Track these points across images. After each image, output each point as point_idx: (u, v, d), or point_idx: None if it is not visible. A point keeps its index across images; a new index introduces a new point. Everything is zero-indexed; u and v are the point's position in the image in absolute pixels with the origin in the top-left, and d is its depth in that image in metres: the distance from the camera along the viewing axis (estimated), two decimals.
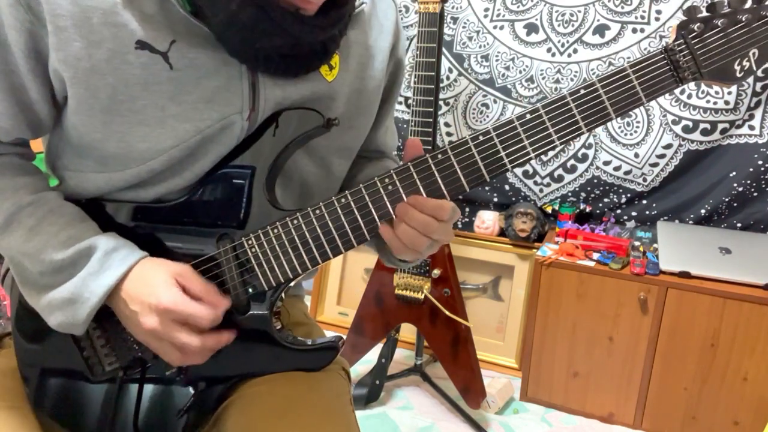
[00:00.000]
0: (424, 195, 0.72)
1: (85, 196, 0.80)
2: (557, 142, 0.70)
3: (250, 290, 0.77)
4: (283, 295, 0.80)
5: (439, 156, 0.72)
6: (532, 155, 0.71)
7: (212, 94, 0.74)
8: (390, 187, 0.73)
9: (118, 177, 0.77)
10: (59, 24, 0.68)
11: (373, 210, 0.73)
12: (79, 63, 0.69)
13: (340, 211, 0.74)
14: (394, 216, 0.73)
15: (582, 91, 0.70)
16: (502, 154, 0.71)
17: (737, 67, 0.69)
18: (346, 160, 0.90)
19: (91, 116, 0.73)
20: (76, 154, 0.79)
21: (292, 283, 0.79)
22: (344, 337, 0.85)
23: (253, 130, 0.77)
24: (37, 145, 0.85)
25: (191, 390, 0.81)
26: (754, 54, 0.69)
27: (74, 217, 0.76)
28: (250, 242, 0.76)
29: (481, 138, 0.71)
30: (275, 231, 0.76)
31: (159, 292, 0.71)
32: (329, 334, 0.88)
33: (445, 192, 0.72)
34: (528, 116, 0.70)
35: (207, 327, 0.72)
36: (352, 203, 0.74)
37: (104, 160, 0.76)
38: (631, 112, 2.00)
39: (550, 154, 2.13)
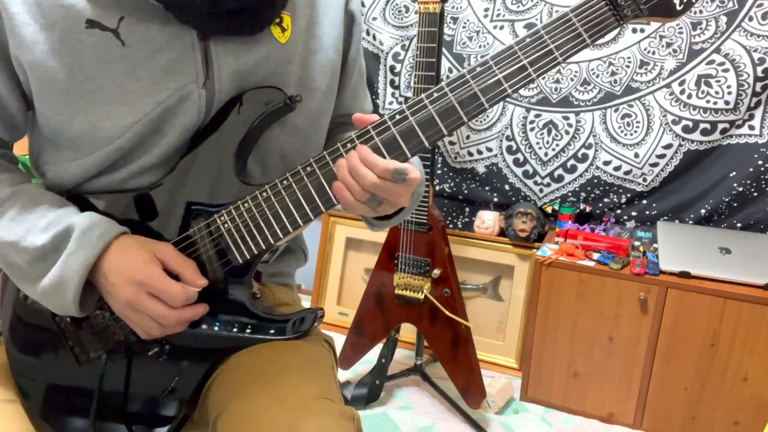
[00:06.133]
0: (386, 155, 0.73)
1: (63, 186, 0.81)
2: (509, 90, 0.72)
3: (225, 264, 0.79)
4: (263, 258, 0.81)
5: (397, 116, 0.73)
6: (486, 105, 0.72)
7: (167, 66, 0.75)
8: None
9: (90, 162, 0.78)
10: (11, 10, 0.70)
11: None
12: (35, 46, 0.71)
13: (306, 179, 0.76)
14: None
15: (528, 40, 0.71)
16: (457, 107, 0.72)
17: (676, 1, 0.70)
18: (323, 126, 0.90)
19: (53, 100, 0.74)
20: (52, 146, 0.80)
21: (268, 255, 0.81)
22: (323, 308, 0.86)
23: (212, 99, 0.79)
24: (24, 150, 0.87)
25: (176, 369, 0.82)
26: None
27: (53, 204, 0.77)
28: (222, 218, 0.78)
29: (435, 94, 0.73)
30: (245, 205, 0.78)
31: (137, 265, 0.72)
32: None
33: (406, 150, 0.74)
34: (478, 69, 0.72)
35: (179, 306, 0.73)
36: (317, 170, 0.75)
37: (74, 144, 0.78)
38: (631, 112, 2.00)
39: (550, 153, 2.13)
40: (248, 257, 0.79)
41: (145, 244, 0.75)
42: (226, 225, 0.78)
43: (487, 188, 2.24)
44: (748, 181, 1.90)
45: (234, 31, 0.76)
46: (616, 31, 1.96)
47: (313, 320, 0.84)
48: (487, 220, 2.18)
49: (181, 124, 0.78)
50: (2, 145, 0.83)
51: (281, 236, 0.78)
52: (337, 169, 0.73)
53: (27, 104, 0.79)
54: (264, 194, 0.77)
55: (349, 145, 0.74)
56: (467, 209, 2.29)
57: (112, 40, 0.72)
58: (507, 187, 2.22)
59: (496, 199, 2.24)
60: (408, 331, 2.19)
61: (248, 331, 0.81)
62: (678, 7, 0.70)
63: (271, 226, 0.77)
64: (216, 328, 0.80)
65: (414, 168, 0.73)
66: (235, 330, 0.81)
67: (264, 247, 0.78)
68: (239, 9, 0.75)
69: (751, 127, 1.89)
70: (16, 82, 0.76)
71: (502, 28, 2.10)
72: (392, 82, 2.29)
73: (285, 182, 0.76)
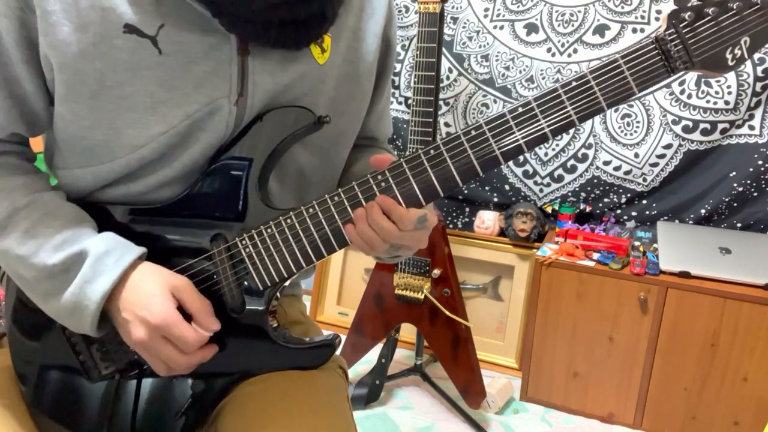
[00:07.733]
0: (417, 191, 0.72)
1: (76, 194, 0.79)
2: (550, 136, 0.70)
3: (245, 290, 0.77)
4: (278, 294, 0.80)
5: (432, 152, 0.71)
6: (525, 149, 0.70)
7: (201, 78, 0.73)
8: (383, 184, 0.72)
9: (106, 169, 0.76)
10: (47, 8, 0.68)
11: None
12: (68, 47, 0.69)
13: (333, 209, 0.74)
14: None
15: (573, 83, 0.68)
16: (495, 147, 0.70)
17: (729, 56, 0.68)
18: (343, 148, 0.89)
19: (79, 102, 0.72)
20: (65, 149, 0.78)
21: (287, 282, 0.79)
22: (341, 335, 0.85)
23: (242, 116, 0.77)
24: (39, 145, 0.85)
25: (188, 391, 0.81)
26: (745, 42, 0.68)
27: (70, 220, 0.75)
28: (243, 242, 0.76)
29: (473, 132, 0.70)
30: (269, 231, 0.75)
31: (152, 306, 0.70)
32: (327, 333, 0.87)
33: (438, 188, 0.72)
34: (520, 110, 0.69)
35: (192, 350, 0.72)
36: (345, 201, 0.73)
37: (91, 151, 0.75)
38: (631, 112, 2.00)
39: (550, 153, 2.13)
40: (269, 284, 0.77)
41: (160, 276, 0.73)
42: (247, 250, 0.76)
43: (487, 188, 2.24)
44: (748, 181, 1.90)
45: (279, 43, 0.74)
46: (616, 29, 1.96)
47: (332, 350, 0.83)
48: (487, 220, 2.18)
49: (206, 139, 0.76)
50: (21, 141, 0.80)
51: (304, 265, 0.76)
52: (356, 220, 0.72)
53: (51, 101, 0.76)
54: (288, 221, 0.75)
55: (383, 185, 0.72)
56: (467, 209, 2.29)
57: (149, 47, 0.70)
58: (507, 187, 2.22)
59: (496, 199, 2.24)
60: (408, 331, 2.18)
61: (265, 357, 0.80)
62: (730, 63, 0.68)
63: (294, 254, 0.75)
64: (231, 353, 0.79)
65: (432, 211, 0.73)
66: (251, 355, 0.80)
67: (286, 275, 0.76)
68: (290, 20, 0.73)
69: (751, 127, 1.89)
70: (42, 80, 0.74)
71: (502, 28, 2.10)
72: (392, 82, 2.28)
73: (311, 210, 0.74)
